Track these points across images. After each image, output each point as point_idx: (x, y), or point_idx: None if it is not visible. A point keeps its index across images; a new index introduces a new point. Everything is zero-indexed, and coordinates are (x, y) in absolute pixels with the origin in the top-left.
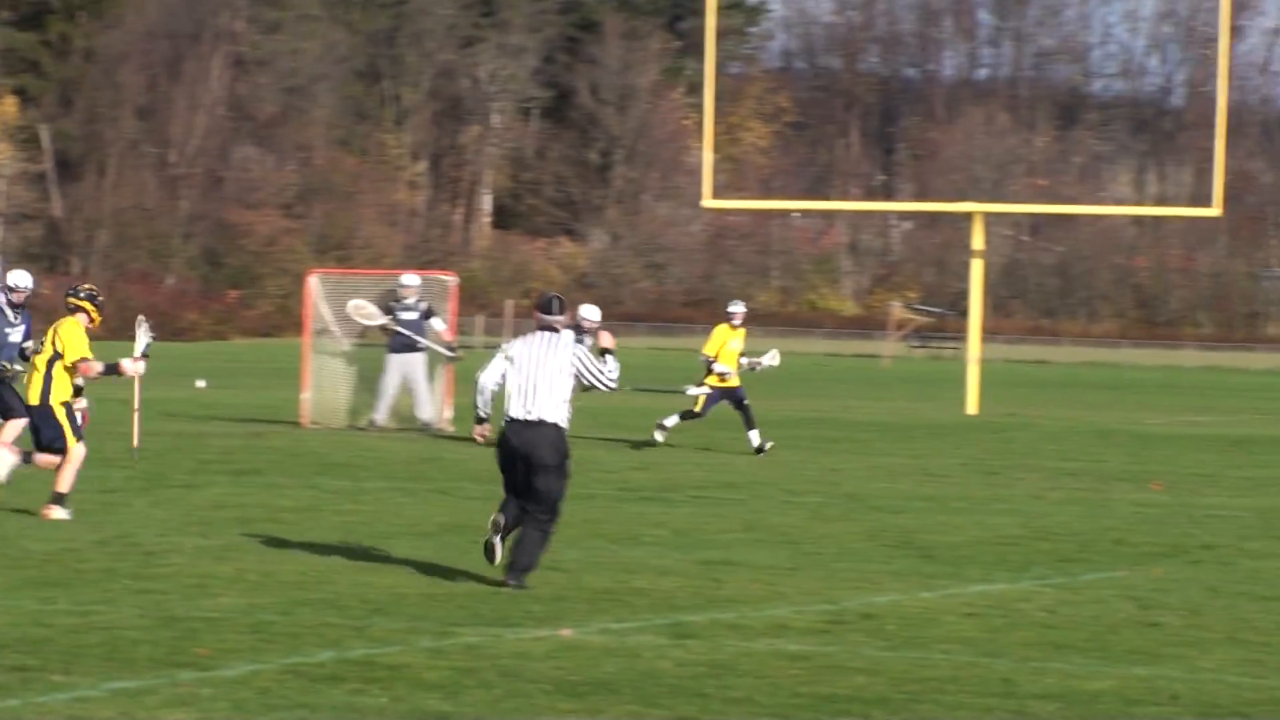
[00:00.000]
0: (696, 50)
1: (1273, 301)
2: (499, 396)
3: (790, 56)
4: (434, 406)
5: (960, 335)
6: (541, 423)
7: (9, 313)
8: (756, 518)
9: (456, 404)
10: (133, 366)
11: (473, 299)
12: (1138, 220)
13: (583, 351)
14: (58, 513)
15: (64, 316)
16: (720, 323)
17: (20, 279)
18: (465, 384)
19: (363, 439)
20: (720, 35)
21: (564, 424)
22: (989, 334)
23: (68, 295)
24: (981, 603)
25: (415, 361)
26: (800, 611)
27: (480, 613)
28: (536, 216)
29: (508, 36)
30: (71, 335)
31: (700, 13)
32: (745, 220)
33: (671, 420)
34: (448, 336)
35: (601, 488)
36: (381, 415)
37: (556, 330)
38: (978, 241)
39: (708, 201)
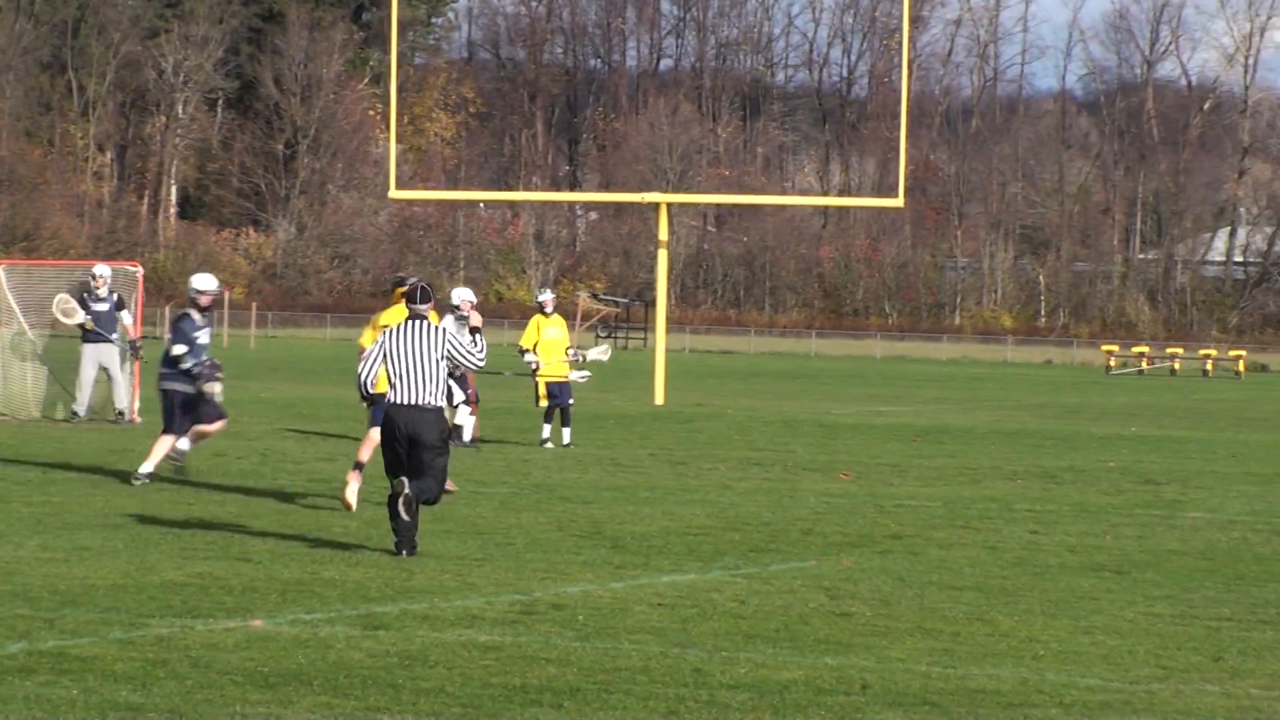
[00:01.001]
0: (381, 41)
1: (957, 291)
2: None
3: (475, 47)
4: (127, 397)
5: (647, 326)
6: (422, 406)
7: (196, 316)
8: (446, 509)
9: (143, 397)
10: None
11: (159, 290)
12: (823, 211)
13: (453, 333)
14: None
15: None
16: (533, 314)
17: (207, 283)
18: (150, 377)
19: (52, 430)
20: (404, 26)
21: (442, 406)
22: (676, 324)
23: None
24: (672, 593)
25: (110, 351)
26: (491, 602)
27: (171, 604)
28: (222, 207)
29: (192, 28)
30: None
31: (384, 4)
32: (431, 211)
33: (547, 429)
34: (133, 332)
35: (291, 479)
36: (83, 406)
37: (425, 318)
38: (663, 232)
39: (394, 192)
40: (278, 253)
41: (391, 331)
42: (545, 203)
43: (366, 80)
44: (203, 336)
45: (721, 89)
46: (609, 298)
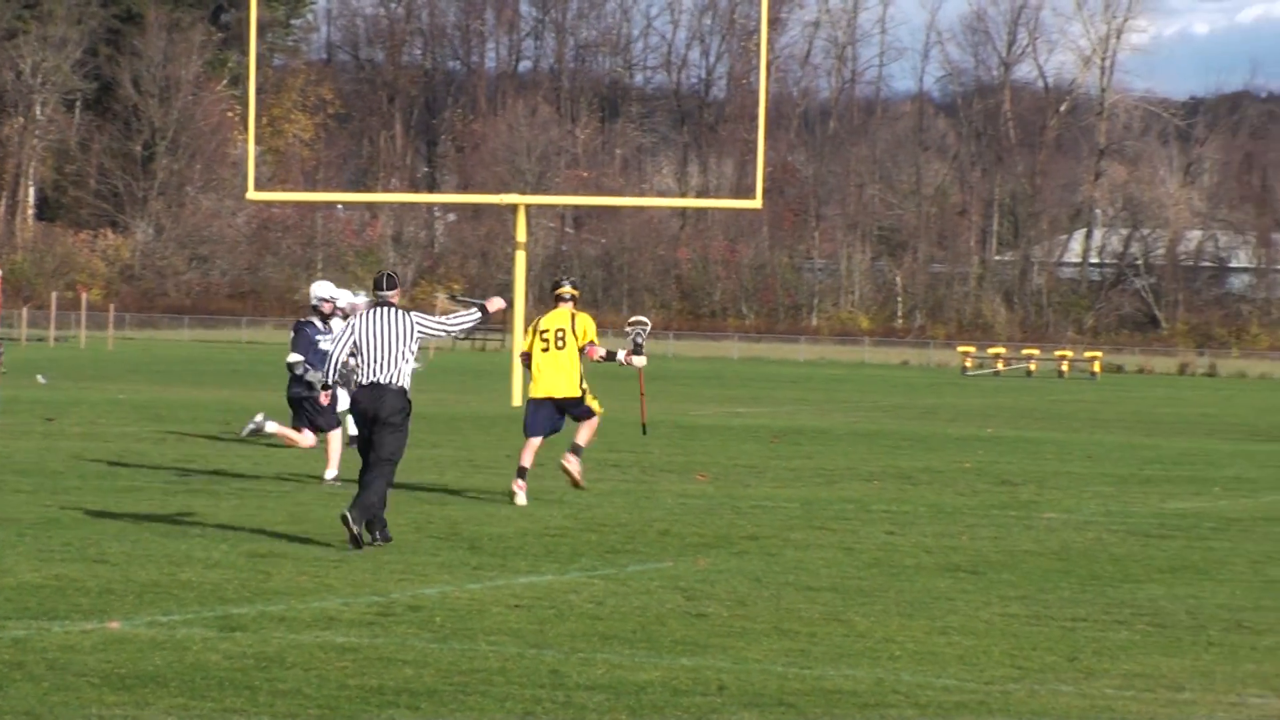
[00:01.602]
0: (239, 42)
1: (814, 293)
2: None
3: (334, 49)
4: None
5: (505, 327)
6: (385, 385)
7: (319, 323)
8: (303, 510)
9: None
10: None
11: (17, 291)
12: (681, 212)
13: (422, 315)
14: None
15: None
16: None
17: (330, 290)
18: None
19: None
20: (263, 27)
21: (406, 385)
22: None
23: None
24: (529, 594)
25: None
26: (348, 604)
27: (27, 606)
28: (81, 209)
29: (50, 29)
30: None
31: (243, 5)
32: (290, 212)
33: None
34: None
35: (148, 480)
36: None
37: (392, 304)
38: (521, 233)
39: (252, 194)
40: (136, 254)
41: (361, 317)
42: (403, 204)
43: (225, 82)
44: (324, 344)
45: (580, 90)
46: (467, 299)
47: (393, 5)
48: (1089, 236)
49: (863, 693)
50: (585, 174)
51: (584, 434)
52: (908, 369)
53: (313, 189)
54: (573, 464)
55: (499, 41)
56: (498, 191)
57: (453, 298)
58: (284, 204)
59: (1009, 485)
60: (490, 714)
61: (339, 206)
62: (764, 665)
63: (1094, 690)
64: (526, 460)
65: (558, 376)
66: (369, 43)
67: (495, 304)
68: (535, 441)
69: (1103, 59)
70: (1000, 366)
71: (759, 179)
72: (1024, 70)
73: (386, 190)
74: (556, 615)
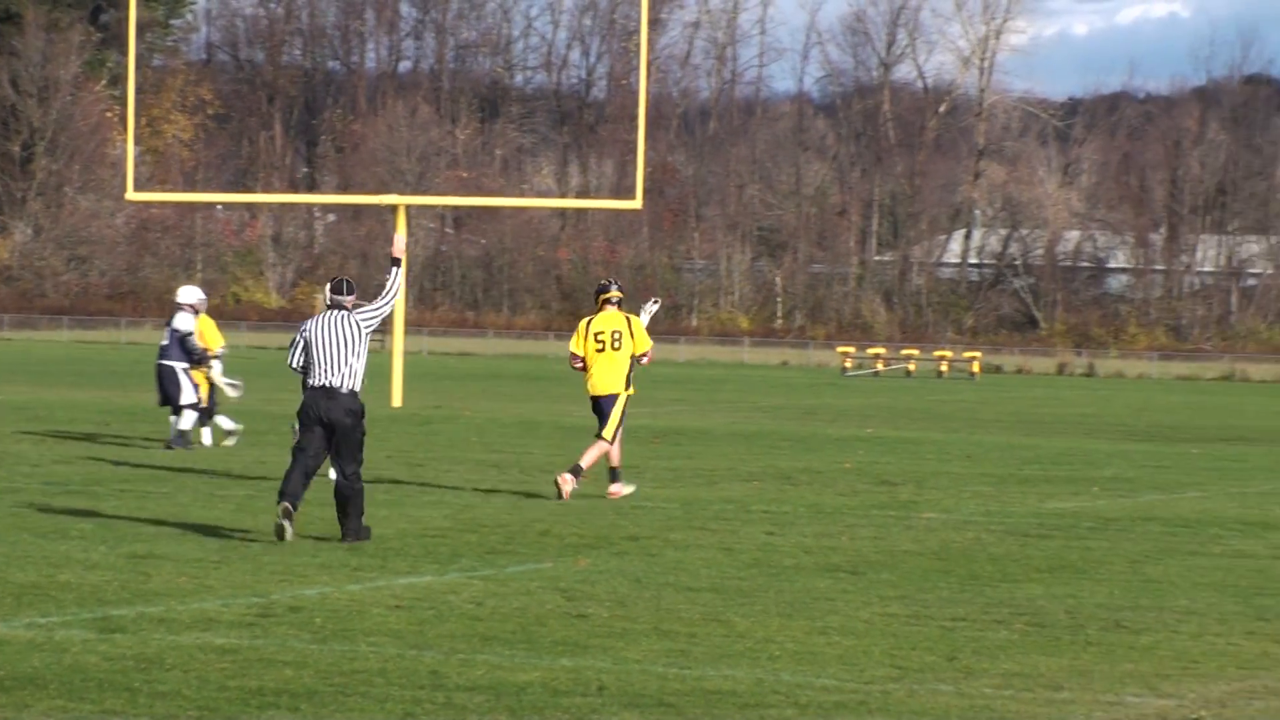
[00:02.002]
0: (119, 42)
1: (694, 293)
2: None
3: (214, 49)
4: None
5: (385, 327)
6: (338, 390)
7: None
8: (182, 510)
9: None
10: None
11: None
12: (561, 213)
13: (360, 313)
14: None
15: None
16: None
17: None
18: None
19: None
20: (142, 28)
21: (356, 388)
22: (414, 326)
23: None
24: (409, 595)
25: None
26: (228, 605)
27: None
28: None
29: None
30: None
31: (122, 5)
32: (169, 213)
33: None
34: None
35: (26, 481)
36: None
37: (345, 308)
38: (401, 234)
39: (131, 194)
40: (14, 255)
41: (313, 321)
42: (283, 205)
43: (104, 82)
44: None
45: (460, 91)
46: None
47: (272, 5)
48: (968, 237)
49: (742, 693)
50: (465, 174)
51: (589, 455)
52: (787, 369)
53: (192, 189)
54: (568, 483)
55: (379, 42)
56: (378, 192)
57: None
58: (163, 204)
59: (888, 485)
60: (370, 715)
61: (218, 207)
62: (644, 666)
63: (973, 690)
64: (614, 459)
65: (611, 375)
66: (249, 43)
67: (398, 245)
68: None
69: (982, 60)
70: (880, 367)
71: (639, 179)
72: (903, 71)
73: (266, 191)
74: (436, 616)
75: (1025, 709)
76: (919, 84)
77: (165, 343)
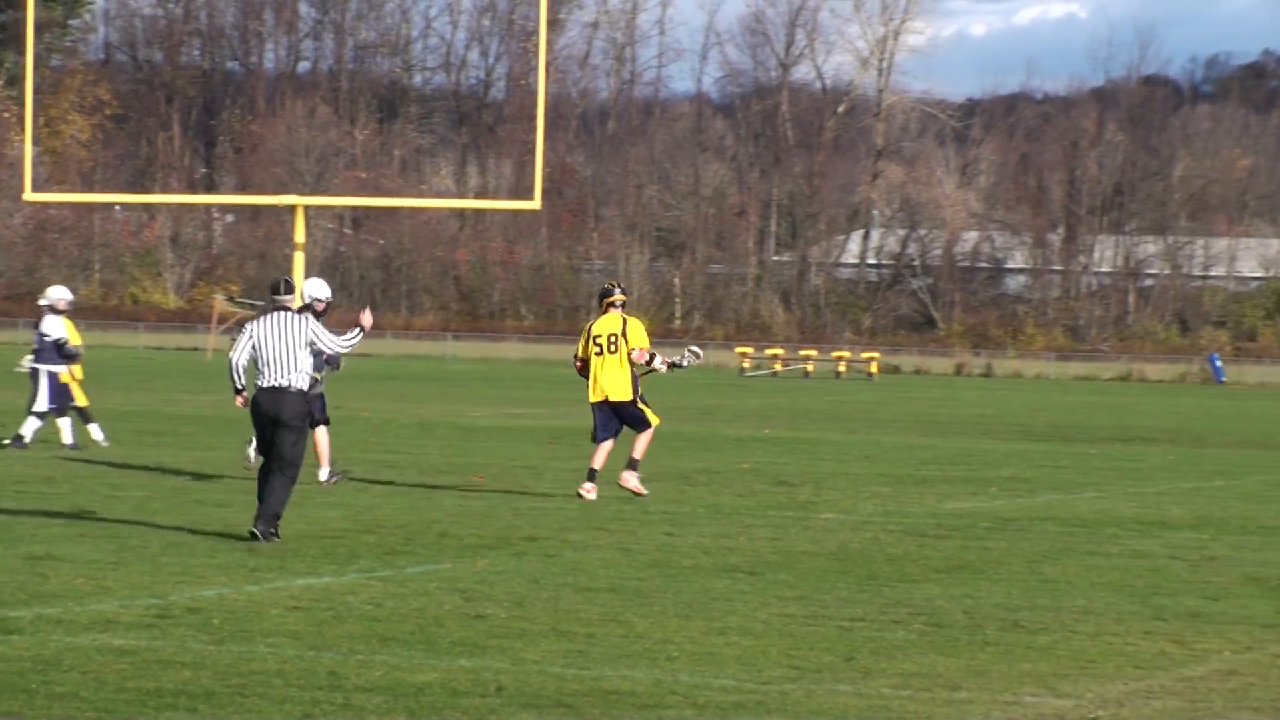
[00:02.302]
0: (16, 43)
1: (593, 294)
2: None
3: (112, 49)
4: None
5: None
6: (284, 389)
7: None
8: (80, 512)
9: None
10: None
11: None
12: (460, 213)
13: (317, 323)
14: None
15: None
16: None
17: (325, 290)
18: None
19: None
20: (40, 28)
21: (304, 388)
22: None
23: None
24: (307, 596)
25: None
26: (126, 606)
27: None
28: None
29: None
30: None
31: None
32: (67, 213)
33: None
34: None
35: None
36: None
37: (289, 309)
38: (300, 234)
39: (29, 195)
40: None
41: (259, 321)
42: (181, 205)
43: (2, 82)
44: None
45: (359, 91)
46: (246, 300)
47: (171, 6)
48: (866, 237)
49: (641, 693)
50: (364, 175)
51: (639, 446)
52: (687, 370)
53: (90, 190)
54: (630, 480)
55: (278, 42)
56: (276, 192)
57: (231, 299)
58: (61, 205)
59: (787, 486)
60: (268, 716)
61: (116, 207)
62: (542, 666)
63: (871, 690)
64: (597, 463)
65: (612, 380)
66: (147, 43)
67: (366, 319)
68: (606, 445)
69: (880, 60)
70: (778, 367)
71: (537, 180)
72: (802, 71)
73: (164, 191)
74: (335, 617)
75: (923, 709)
76: (817, 84)
77: (37, 347)
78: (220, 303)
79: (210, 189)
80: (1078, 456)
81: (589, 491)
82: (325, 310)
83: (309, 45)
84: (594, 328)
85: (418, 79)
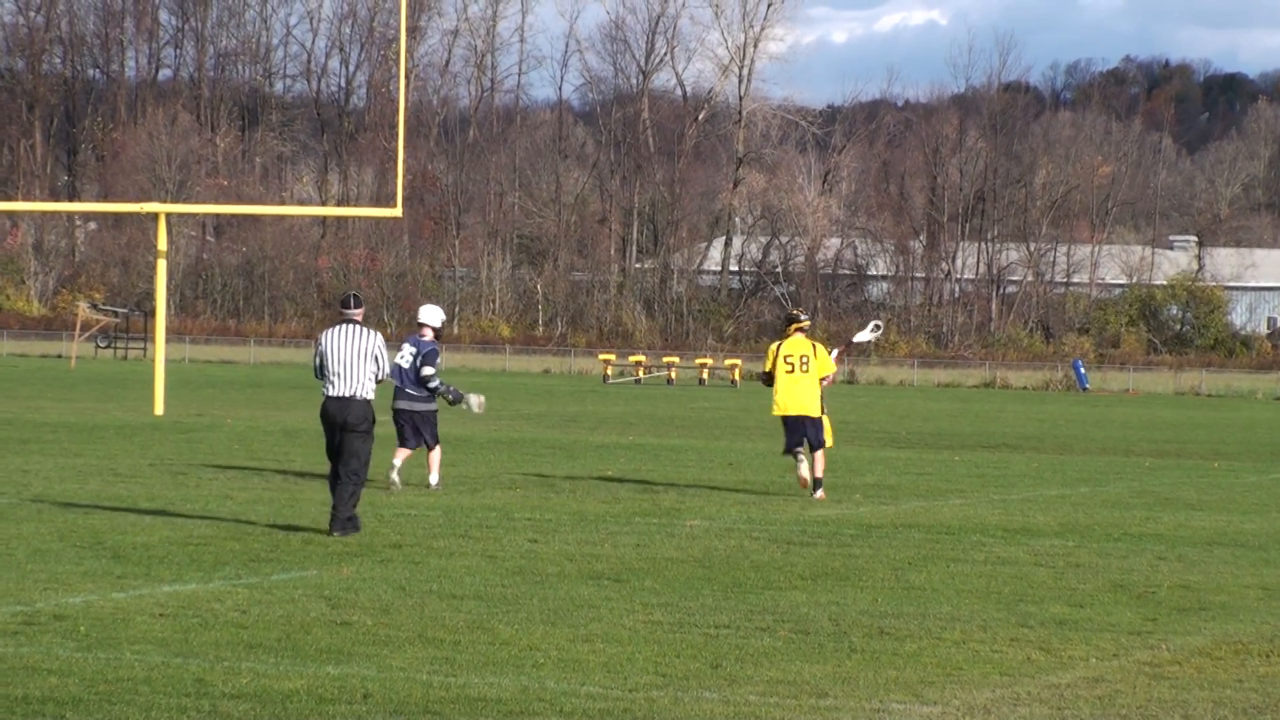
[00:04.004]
0: None
1: (455, 301)
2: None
3: None
4: None
5: (146, 336)
6: (350, 398)
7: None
8: None
9: None
10: None
11: None
12: (321, 221)
13: (382, 341)
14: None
15: None
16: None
17: (432, 316)
18: None
19: None
20: None
21: (369, 397)
22: (175, 334)
23: None
24: (174, 603)
25: None
26: None
27: None
28: None
29: None
30: None
31: None
32: None
33: None
34: None
35: None
36: None
37: (356, 322)
38: (162, 242)
39: None
40: None
41: (326, 334)
42: (44, 213)
43: None
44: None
45: (220, 99)
46: (108, 308)
47: (33, 14)
48: (728, 245)
49: (507, 700)
50: (225, 182)
51: (819, 466)
52: (549, 377)
53: None
54: (819, 494)
55: (139, 50)
56: (138, 200)
57: (94, 306)
58: None
59: (650, 492)
60: None
61: None
62: (409, 673)
63: (738, 697)
64: (805, 472)
65: (803, 396)
66: (8, 51)
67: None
68: (803, 453)
69: (741, 67)
70: (641, 374)
71: (399, 187)
72: (663, 79)
73: (26, 199)
74: (201, 624)
75: (790, 716)
76: (678, 92)
77: None
78: (84, 310)
79: (73, 196)
80: (942, 464)
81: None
82: (437, 336)
83: (170, 53)
84: (784, 348)
85: (279, 86)
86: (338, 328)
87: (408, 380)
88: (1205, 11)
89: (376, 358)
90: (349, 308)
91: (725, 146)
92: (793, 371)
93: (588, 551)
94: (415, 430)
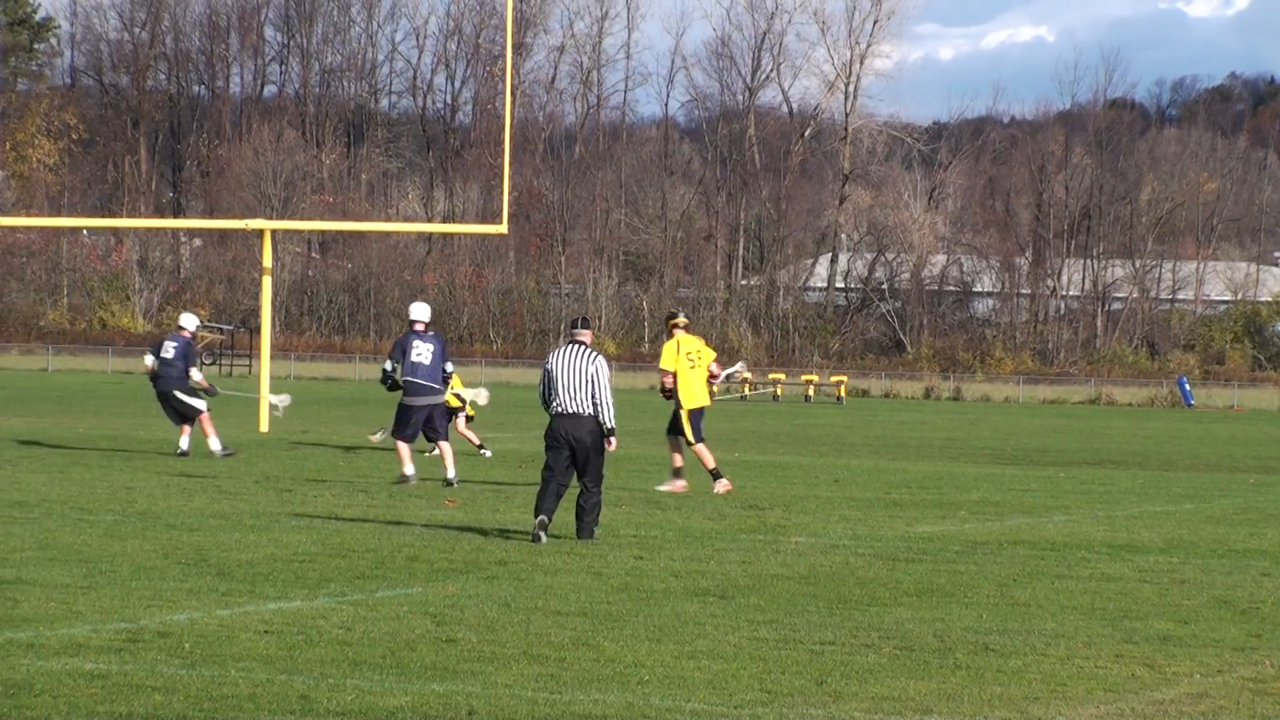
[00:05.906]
0: None
1: (561, 318)
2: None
3: (78, 73)
4: None
5: (252, 352)
6: (581, 414)
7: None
8: (49, 536)
9: None
10: None
11: None
12: (427, 238)
13: (604, 365)
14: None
15: None
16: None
17: (421, 312)
18: None
19: None
20: (6, 52)
21: (603, 417)
22: (280, 351)
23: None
24: (278, 620)
25: None
26: (97, 630)
27: None
28: None
29: None
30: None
31: None
32: (35, 238)
33: None
34: None
35: None
36: None
37: (584, 343)
38: (267, 259)
39: None
40: None
41: (553, 355)
42: (149, 229)
43: None
44: (413, 354)
45: (325, 116)
46: (214, 325)
47: (137, 30)
48: (834, 261)
49: (612, 717)
50: (331, 199)
51: (706, 459)
52: (654, 393)
53: (57, 214)
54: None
55: (244, 66)
56: (244, 217)
57: (201, 325)
58: (28, 229)
59: (757, 509)
60: None
61: (84, 232)
62: (513, 690)
63: (842, 713)
64: (710, 463)
65: (703, 388)
66: (113, 67)
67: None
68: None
69: (847, 84)
70: (747, 391)
71: (505, 204)
72: (769, 95)
73: (132, 215)
74: (306, 641)
75: None
76: (784, 108)
77: None
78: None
79: (177, 213)
80: (1047, 480)
81: (723, 488)
82: (425, 330)
83: (275, 69)
84: (683, 345)
85: (384, 103)
86: (566, 348)
87: (433, 375)
88: None
89: (594, 379)
90: (578, 328)
91: (831, 163)
92: (694, 367)
93: (693, 568)
94: (441, 420)
